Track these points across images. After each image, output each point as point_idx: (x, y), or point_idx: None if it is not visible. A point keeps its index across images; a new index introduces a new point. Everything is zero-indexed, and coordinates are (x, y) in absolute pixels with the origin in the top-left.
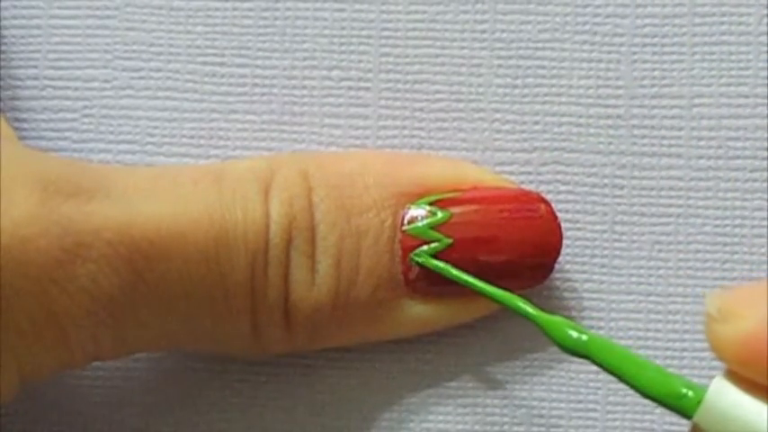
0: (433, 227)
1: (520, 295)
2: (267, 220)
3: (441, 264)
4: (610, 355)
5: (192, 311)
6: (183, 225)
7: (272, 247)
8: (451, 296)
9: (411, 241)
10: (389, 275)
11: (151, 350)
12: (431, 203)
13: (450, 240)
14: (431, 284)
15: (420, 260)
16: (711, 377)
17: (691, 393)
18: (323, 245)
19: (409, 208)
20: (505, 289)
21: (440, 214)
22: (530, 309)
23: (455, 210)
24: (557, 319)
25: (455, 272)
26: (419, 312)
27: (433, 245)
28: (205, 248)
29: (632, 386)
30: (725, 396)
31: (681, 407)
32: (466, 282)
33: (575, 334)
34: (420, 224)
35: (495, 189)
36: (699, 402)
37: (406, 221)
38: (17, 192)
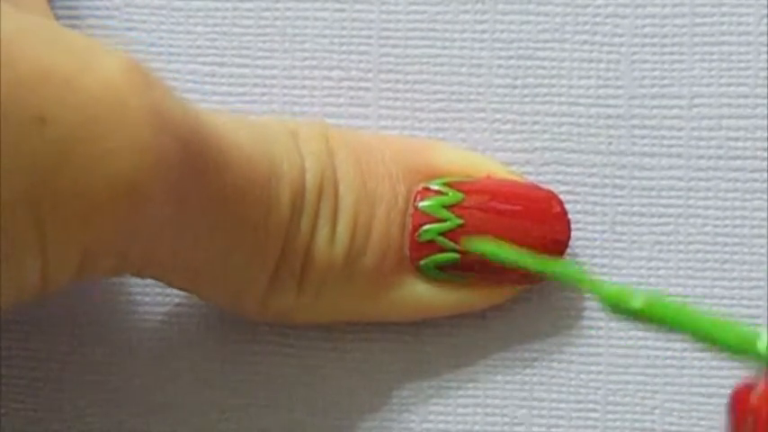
0: (444, 206)
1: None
2: (303, 168)
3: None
4: (669, 314)
5: (232, 238)
6: (242, 139)
7: (307, 193)
8: (455, 281)
9: (422, 217)
10: (397, 248)
11: (173, 279)
12: (444, 184)
13: (460, 221)
14: (436, 267)
15: (428, 237)
16: (712, 377)
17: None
18: (342, 204)
19: (423, 185)
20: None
21: (452, 194)
22: (581, 276)
23: (468, 193)
24: (612, 288)
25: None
26: (421, 293)
27: (442, 224)
28: (259, 170)
29: (703, 339)
30: None
31: (755, 352)
32: (496, 256)
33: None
34: (432, 202)
35: (509, 181)
36: None
37: (418, 198)
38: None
